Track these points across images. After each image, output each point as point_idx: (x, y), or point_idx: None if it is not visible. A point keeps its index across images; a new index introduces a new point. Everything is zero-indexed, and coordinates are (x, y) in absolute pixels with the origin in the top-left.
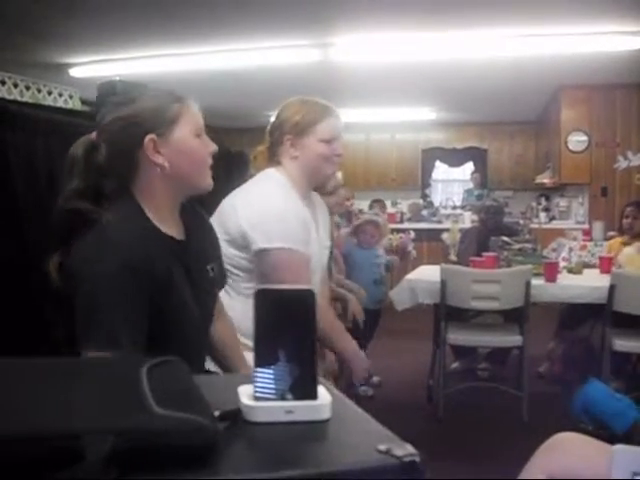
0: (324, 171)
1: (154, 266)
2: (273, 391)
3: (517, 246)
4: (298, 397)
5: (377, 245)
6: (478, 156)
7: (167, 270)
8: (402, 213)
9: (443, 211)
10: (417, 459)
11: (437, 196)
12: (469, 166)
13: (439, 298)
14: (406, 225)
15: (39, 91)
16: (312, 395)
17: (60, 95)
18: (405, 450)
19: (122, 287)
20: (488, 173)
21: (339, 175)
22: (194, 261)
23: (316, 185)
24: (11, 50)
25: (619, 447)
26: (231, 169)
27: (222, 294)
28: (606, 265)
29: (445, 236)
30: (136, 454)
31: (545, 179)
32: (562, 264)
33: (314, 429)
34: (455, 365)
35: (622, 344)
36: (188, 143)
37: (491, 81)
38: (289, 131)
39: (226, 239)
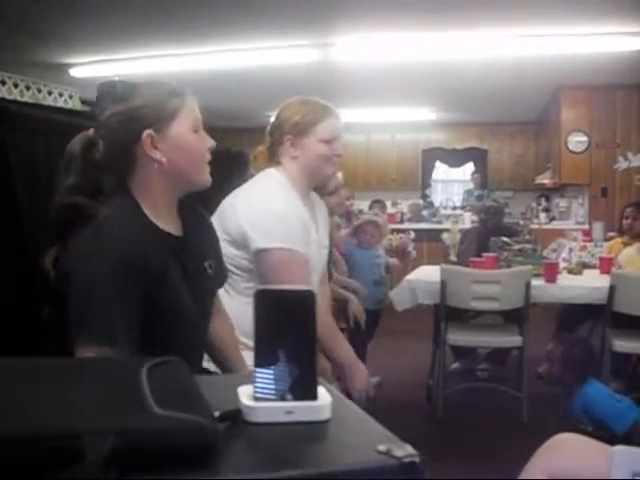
0: (324, 171)
1: (149, 261)
2: (273, 391)
3: (517, 247)
4: (298, 397)
5: (377, 245)
6: (478, 156)
7: (162, 265)
8: (402, 213)
9: (443, 211)
10: (417, 460)
11: (437, 196)
12: (469, 166)
13: (439, 298)
14: (406, 225)
15: (39, 91)
16: (312, 395)
17: (60, 95)
18: (405, 451)
19: (117, 283)
20: (488, 173)
21: (339, 175)
22: (191, 258)
23: (316, 185)
24: (11, 50)
25: (619, 448)
26: (231, 169)
27: (222, 293)
28: (606, 266)
29: (445, 236)
30: (136, 454)
31: (545, 180)
32: (562, 265)
33: (314, 429)
34: (455, 365)
35: (622, 345)
36: (186, 138)
37: (491, 81)
38: (289, 131)
39: (226, 239)
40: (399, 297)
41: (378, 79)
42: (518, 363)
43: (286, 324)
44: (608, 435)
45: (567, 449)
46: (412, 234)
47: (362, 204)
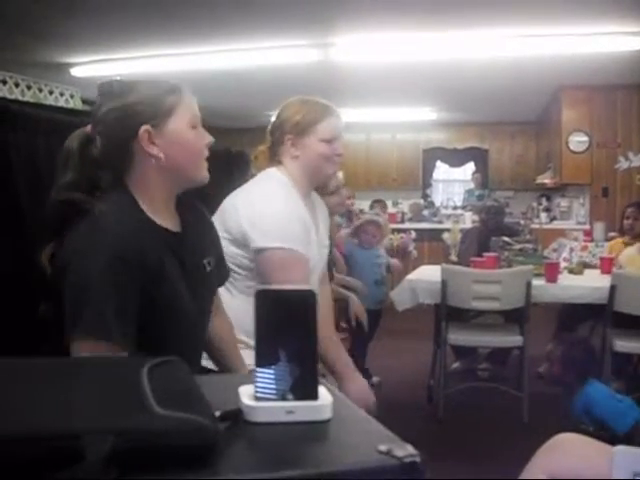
0: (325, 171)
1: (146, 256)
2: (274, 391)
3: (518, 246)
4: (299, 397)
5: (378, 245)
6: (479, 156)
7: (159, 260)
8: (403, 213)
9: (444, 211)
10: (417, 459)
11: (438, 196)
12: (470, 166)
13: (440, 298)
14: (407, 225)
15: (40, 91)
16: (313, 395)
17: (61, 95)
18: (405, 451)
19: (113, 277)
20: (489, 173)
21: (340, 175)
22: (189, 254)
23: (317, 185)
24: (12, 50)
25: (620, 448)
26: (232, 169)
27: (223, 292)
28: (607, 266)
29: (446, 236)
30: (136, 454)
31: (546, 179)
32: (563, 264)
33: (315, 429)
34: (455, 365)
35: (623, 345)
36: (183, 134)
37: (492, 81)
38: (290, 131)
39: (227, 238)
40: (400, 297)
41: (378, 79)
42: (519, 363)
43: (287, 324)
44: (609, 435)
45: (568, 449)
46: (413, 234)
47: (363, 204)
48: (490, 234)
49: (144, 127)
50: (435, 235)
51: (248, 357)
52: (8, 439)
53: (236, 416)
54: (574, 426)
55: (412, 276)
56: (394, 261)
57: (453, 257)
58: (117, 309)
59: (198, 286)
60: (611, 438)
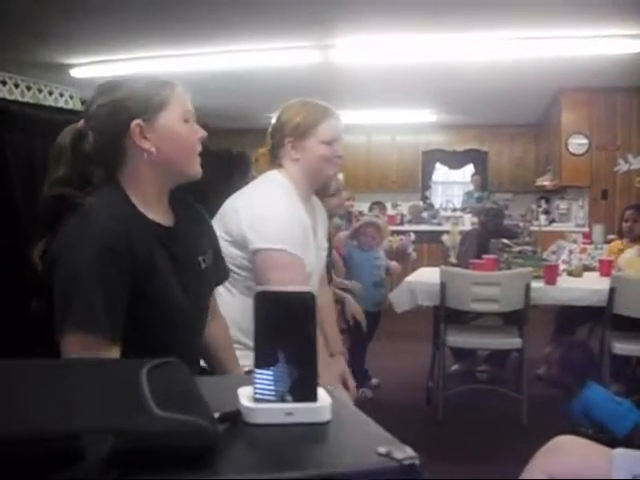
0: (325, 172)
1: (135, 249)
2: (273, 393)
3: (517, 248)
4: (298, 399)
5: (377, 247)
6: (478, 158)
7: (148, 253)
8: (402, 215)
9: (443, 213)
10: (417, 462)
11: (437, 198)
12: (469, 168)
13: (439, 300)
14: (406, 227)
15: (40, 91)
16: (312, 397)
17: (61, 95)
18: (405, 453)
19: (102, 270)
20: (488, 175)
21: (340, 177)
22: (182, 249)
23: (318, 187)
24: (12, 50)
25: (619, 450)
26: (232, 170)
27: (224, 292)
28: (606, 268)
29: (445, 238)
30: (136, 455)
31: (545, 182)
32: (562, 267)
33: (314, 431)
34: (454, 367)
35: (622, 347)
36: (175, 128)
37: (491, 83)
38: (290, 133)
39: (228, 240)
40: (399, 299)
41: (378, 81)
42: (518, 365)
43: (286, 325)
44: (608, 438)
45: (567, 451)
46: (412, 236)
47: (362, 205)
48: (489, 236)
49: (135, 121)
50: (434, 237)
51: (246, 358)
52: (8, 439)
53: (235, 417)
54: (573, 428)
55: (411, 278)
56: (393, 264)
57: (452, 259)
58: (106, 301)
59: (192, 282)
60: (610, 441)
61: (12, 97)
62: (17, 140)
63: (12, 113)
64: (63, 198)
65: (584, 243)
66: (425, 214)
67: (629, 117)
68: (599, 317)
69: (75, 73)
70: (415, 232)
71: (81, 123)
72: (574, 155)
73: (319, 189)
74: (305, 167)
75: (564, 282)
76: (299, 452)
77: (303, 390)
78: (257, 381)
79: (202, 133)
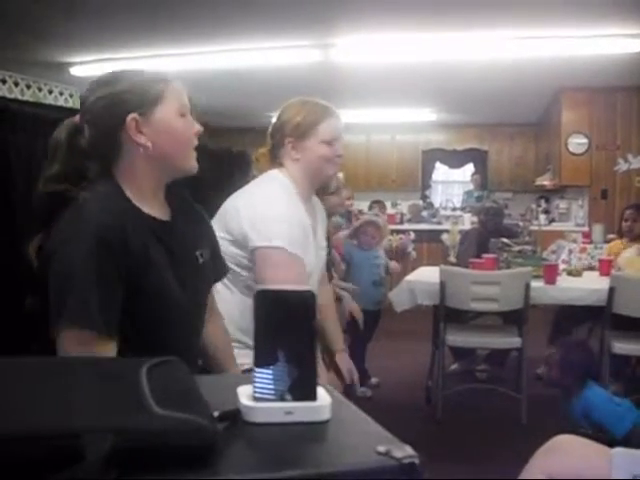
0: (326, 172)
1: (129, 243)
2: (272, 392)
3: (517, 248)
4: (297, 398)
5: (377, 246)
6: (478, 158)
7: (143, 247)
8: (402, 214)
9: (443, 212)
10: (416, 460)
11: (437, 197)
12: (469, 167)
13: (438, 299)
14: (406, 226)
15: (39, 90)
16: (311, 396)
17: (61, 94)
18: (404, 452)
19: (96, 266)
20: (488, 175)
21: (340, 175)
22: (178, 243)
23: (318, 186)
24: (12, 49)
25: (619, 450)
26: (233, 168)
27: (223, 290)
28: (606, 267)
29: (445, 237)
30: (135, 454)
31: (545, 181)
32: (562, 266)
33: (313, 430)
34: (454, 366)
35: (621, 347)
36: (171, 123)
37: (492, 83)
38: (290, 133)
39: (228, 239)
40: (398, 298)
41: (378, 80)
42: (517, 364)
43: (286, 324)
44: (608, 438)
45: (567, 451)
46: (412, 235)
47: (362, 204)
48: (489, 235)
49: (131, 115)
50: (434, 236)
51: (244, 357)
52: (8, 438)
53: (235, 416)
54: (572, 428)
55: (411, 277)
56: (393, 263)
57: (452, 258)
58: (101, 297)
59: (189, 277)
60: (609, 441)
61: (12, 96)
62: (17, 139)
63: (12, 112)
64: (58, 194)
65: (584, 243)
66: (425, 213)
67: (629, 117)
68: (599, 317)
69: (75, 71)
70: (415, 231)
71: (77, 118)
72: (574, 154)
73: (319, 188)
74: (305, 167)
75: (564, 282)
76: (299, 451)
77: (303, 389)
78: (257, 380)
79: (198, 128)
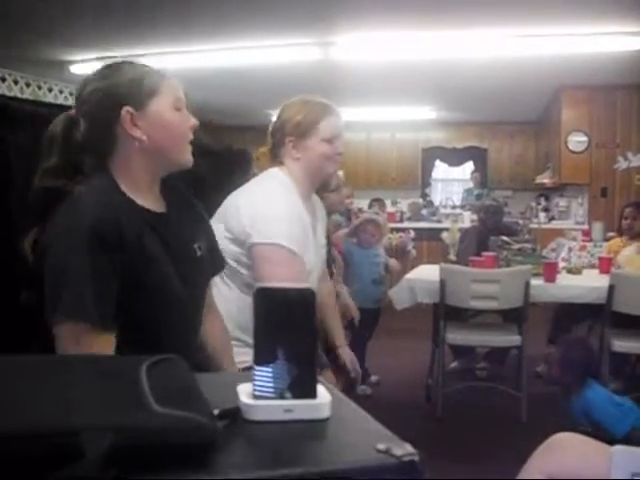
0: (326, 170)
1: (124, 235)
2: (272, 390)
3: (516, 246)
4: (297, 396)
5: (377, 244)
6: (478, 156)
7: (139, 239)
8: (402, 212)
9: (443, 210)
10: (416, 458)
11: (437, 195)
12: (469, 165)
13: (438, 297)
14: (406, 224)
15: (39, 88)
16: (311, 394)
17: (60, 92)
18: (404, 450)
19: (91, 259)
20: (488, 173)
21: (340, 173)
22: (174, 235)
23: (318, 184)
24: (16, 47)
25: (618, 448)
26: (233, 167)
27: (223, 287)
28: (605, 265)
29: (445, 235)
30: (135, 452)
31: (545, 179)
32: (561, 264)
33: (313, 428)
34: (454, 364)
35: (621, 345)
36: (167, 116)
37: (492, 81)
38: (291, 132)
39: (229, 237)
40: (398, 296)
41: (379, 78)
42: (517, 362)
43: (286, 322)
44: (608, 436)
45: (566, 449)
46: (412, 233)
47: (362, 202)
48: (489, 234)
49: (126, 108)
50: (434, 234)
51: (243, 355)
52: (8, 436)
53: (234, 414)
54: (572, 426)
55: (411, 275)
56: (393, 262)
57: (452, 256)
58: (96, 291)
59: (189, 271)
60: (609, 439)
61: (12, 94)
62: (16, 137)
63: (11, 110)
64: (54, 189)
65: (584, 241)
66: (425, 211)
67: (629, 115)
68: (598, 314)
69: (75, 69)
70: (415, 229)
71: (73, 111)
72: (574, 153)
73: (319, 186)
74: (306, 165)
75: (563, 280)
76: (298, 449)
77: (302, 387)
78: (256, 378)
79: (194, 122)
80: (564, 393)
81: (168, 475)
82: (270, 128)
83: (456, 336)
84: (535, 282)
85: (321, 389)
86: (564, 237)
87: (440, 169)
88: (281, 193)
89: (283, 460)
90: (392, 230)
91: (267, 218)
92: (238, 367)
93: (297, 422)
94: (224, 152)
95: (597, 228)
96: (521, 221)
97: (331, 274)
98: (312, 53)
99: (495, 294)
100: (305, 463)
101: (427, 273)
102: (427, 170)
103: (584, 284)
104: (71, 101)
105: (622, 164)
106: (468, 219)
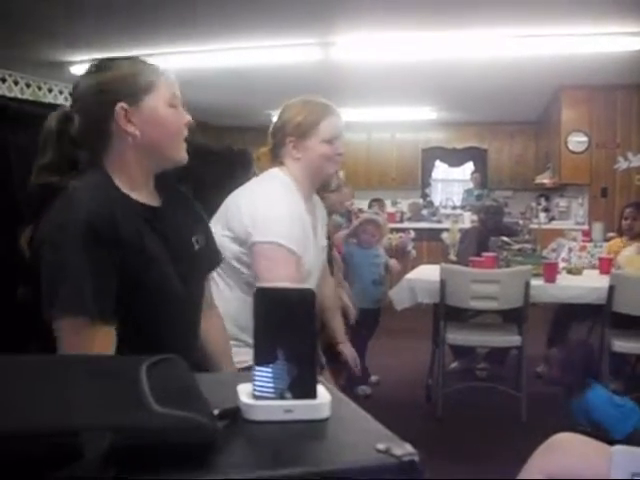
0: (326, 170)
1: (120, 229)
2: (272, 390)
3: (516, 246)
4: (297, 396)
5: (377, 245)
6: (478, 156)
7: (136, 233)
8: (402, 213)
9: (443, 211)
10: (416, 458)
11: (437, 196)
12: (469, 166)
13: (438, 298)
14: (406, 225)
15: (39, 88)
16: (311, 394)
17: (61, 93)
18: (404, 449)
19: (88, 254)
20: (488, 173)
21: (341, 174)
22: (172, 229)
23: (319, 184)
24: (16, 48)
25: (618, 448)
26: (234, 167)
27: (224, 286)
28: (606, 266)
29: (445, 236)
30: (134, 452)
31: (545, 179)
32: (561, 265)
33: (313, 428)
34: (454, 365)
35: (621, 345)
36: (161, 113)
37: (492, 81)
38: (291, 133)
39: (230, 236)
40: (399, 296)
41: (379, 78)
42: (517, 363)
43: (286, 322)
44: (608, 437)
45: (566, 449)
46: (412, 233)
47: (362, 203)
48: (489, 234)
49: (120, 104)
50: (434, 235)
51: (242, 354)
52: (7, 436)
53: (234, 414)
54: (572, 426)
55: (411, 275)
56: (393, 262)
57: (452, 257)
58: (94, 285)
59: (188, 270)
60: (610, 441)
61: (12, 94)
62: (17, 138)
63: (12, 110)
64: (49, 185)
65: (584, 241)
66: (425, 212)
67: (629, 115)
68: (598, 315)
69: (76, 70)
70: (415, 230)
71: (67, 106)
72: (574, 153)
73: (320, 186)
74: (306, 166)
75: (564, 280)
76: (298, 449)
77: (302, 387)
78: (256, 378)
79: (188, 119)
80: (565, 393)
81: (168, 475)
82: (271, 128)
83: (456, 336)
84: (535, 282)
85: (321, 389)
86: (564, 237)
87: (440, 169)
88: (282, 193)
89: (283, 460)
90: (392, 230)
91: (268, 218)
92: (237, 367)
93: (297, 422)
94: (225, 152)
95: (597, 228)
96: (521, 221)
97: (332, 272)
98: (312, 53)
99: (495, 294)
100: (305, 463)
101: (427, 273)
102: (427, 170)
103: (584, 284)
104: (70, 102)
105: (622, 164)
106: (468, 219)
